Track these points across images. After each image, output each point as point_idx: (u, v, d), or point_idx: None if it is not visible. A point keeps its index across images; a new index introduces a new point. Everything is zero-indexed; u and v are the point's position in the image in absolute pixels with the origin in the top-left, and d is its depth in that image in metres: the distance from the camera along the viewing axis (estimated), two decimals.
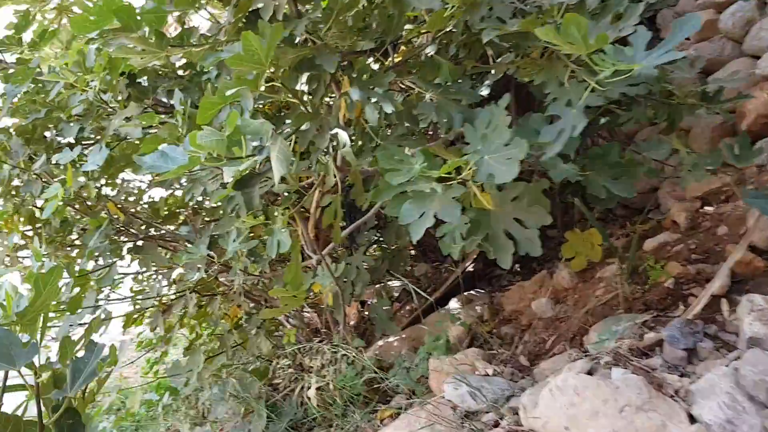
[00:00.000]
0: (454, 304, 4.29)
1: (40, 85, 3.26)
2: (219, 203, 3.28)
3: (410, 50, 2.96)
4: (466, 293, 4.40)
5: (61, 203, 2.95)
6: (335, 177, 2.51)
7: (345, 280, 3.40)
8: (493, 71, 3.20)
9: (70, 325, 3.11)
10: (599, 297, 3.31)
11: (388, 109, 2.21)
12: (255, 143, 2.17)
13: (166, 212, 3.85)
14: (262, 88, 2.40)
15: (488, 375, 2.94)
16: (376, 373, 3.08)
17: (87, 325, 1.58)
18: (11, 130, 3.40)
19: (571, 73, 2.34)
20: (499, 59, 3.15)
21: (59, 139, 3.30)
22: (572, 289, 3.64)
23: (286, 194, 2.64)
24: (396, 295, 4.99)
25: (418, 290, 3.98)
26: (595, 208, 4.19)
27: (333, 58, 2.22)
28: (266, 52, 2.08)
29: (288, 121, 2.73)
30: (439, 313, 4.18)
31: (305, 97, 2.54)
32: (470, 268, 4.74)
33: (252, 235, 2.90)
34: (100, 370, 1.46)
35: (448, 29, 2.98)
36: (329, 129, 2.30)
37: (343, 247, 4.24)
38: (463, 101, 2.46)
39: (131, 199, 4.08)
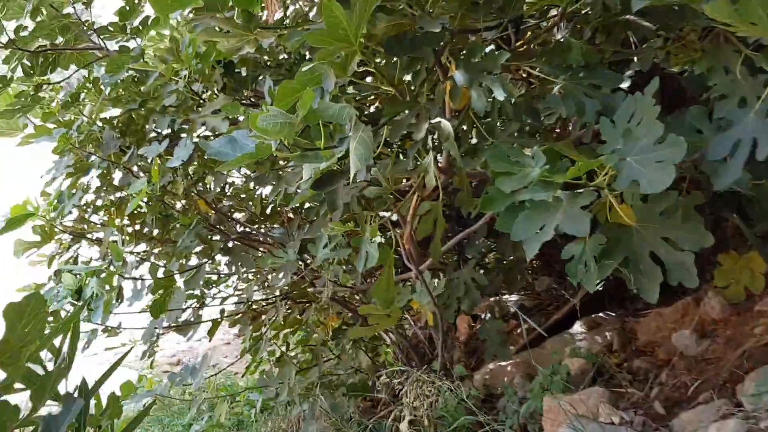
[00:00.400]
0: (578, 327, 3.77)
1: (142, 74, 3.12)
2: (313, 204, 3.00)
3: (535, 34, 2.52)
4: (593, 315, 3.86)
5: (147, 198, 2.79)
6: (435, 179, 2.13)
7: (449, 297, 3.01)
8: (636, 59, 2.69)
9: (155, 328, 2.93)
10: (759, 336, 2.71)
11: (500, 95, 1.80)
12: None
13: (267, 212, 3.62)
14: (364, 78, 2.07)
15: (614, 423, 2.45)
16: (475, 414, 2.66)
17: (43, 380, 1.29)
18: (115, 120, 3.30)
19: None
20: (644, 45, 2.64)
21: (157, 131, 3.14)
22: (724, 323, 3.03)
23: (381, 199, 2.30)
24: (513, 310, 4.51)
25: (530, 315, 3.50)
26: (756, 226, 3.52)
27: (438, 22, 1.84)
28: (355, 27, 1.73)
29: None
30: (561, 336, 3.68)
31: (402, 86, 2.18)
32: (599, 286, 4.18)
33: (349, 240, 2.59)
34: (96, 424, 1.17)
35: (583, 11, 2.53)
36: (429, 118, 1.92)
37: (454, 255, 3.85)
38: (603, 88, 1.99)
39: (243, 196, 3.91)
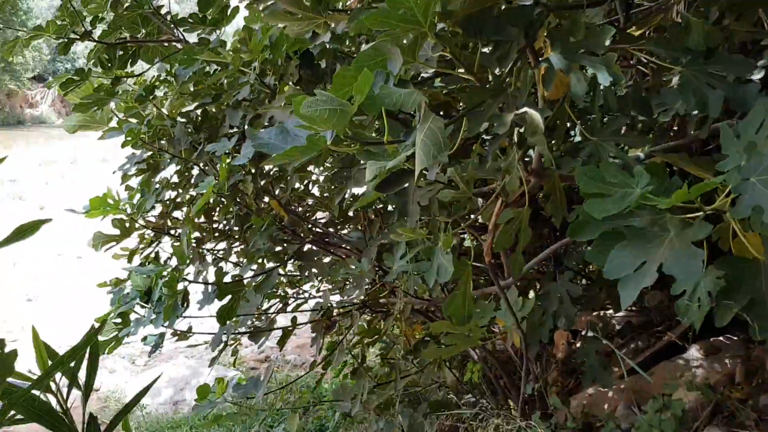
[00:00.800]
0: (693, 352, 3.31)
1: (216, 67, 2.98)
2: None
3: (647, 11, 2.15)
4: (711, 339, 3.38)
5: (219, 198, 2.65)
6: (521, 183, 1.82)
7: (544, 313, 2.67)
8: None
9: (224, 334, 2.79)
10: None
11: (604, 79, 1.47)
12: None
13: (348, 214, 3.40)
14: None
15: None
16: None
17: None
18: (193, 115, 3.19)
19: None
20: None
21: (235, 126, 2.99)
22: None
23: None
24: (618, 327, 4.07)
25: (638, 334, 3.09)
26: None
27: None
28: (424, 4, 1.46)
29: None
30: (673, 362, 3.24)
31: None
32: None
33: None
34: None
35: None
36: (516, 109, 1.62)
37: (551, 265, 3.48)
38: (728, 77, 1.62)
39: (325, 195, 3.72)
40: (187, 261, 2.54)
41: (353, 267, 2.46)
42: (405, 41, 1.57)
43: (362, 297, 2.82)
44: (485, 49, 1.90)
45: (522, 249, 1.90)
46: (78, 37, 2.96)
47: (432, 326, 2.15)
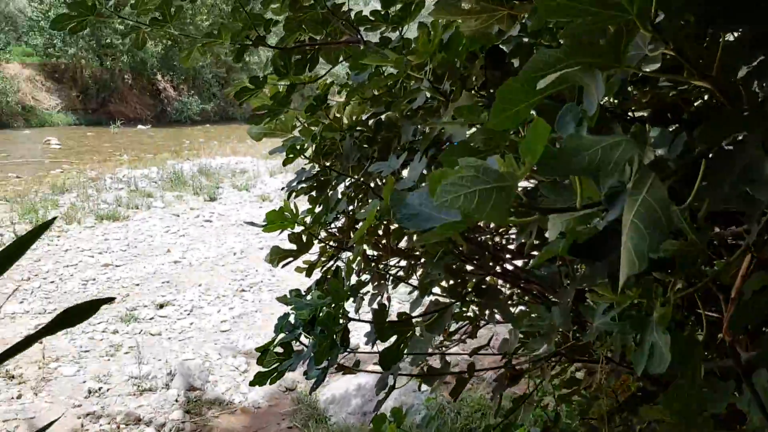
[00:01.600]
0: None
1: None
2: None
3: None
4: None
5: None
6: None
7: None
8: None
9: (390, 375, 2.45)
10: None
11: None
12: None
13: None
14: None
15: None
16: None
17: None
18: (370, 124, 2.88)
19: None
20: None
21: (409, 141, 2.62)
22: None
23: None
24: None
25: None
26: None
27: None
28: None
29: None
30: None
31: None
32: None
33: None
34: None
35: None
36: None
37: None
38: None
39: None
40: (348, 296, 2.23)
41: (541, 317, 1.97)
42: (602, 39, 1.07)
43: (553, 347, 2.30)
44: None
45: None
46: (251, 42, 2.79)
47: (641, 412, 1.60)
